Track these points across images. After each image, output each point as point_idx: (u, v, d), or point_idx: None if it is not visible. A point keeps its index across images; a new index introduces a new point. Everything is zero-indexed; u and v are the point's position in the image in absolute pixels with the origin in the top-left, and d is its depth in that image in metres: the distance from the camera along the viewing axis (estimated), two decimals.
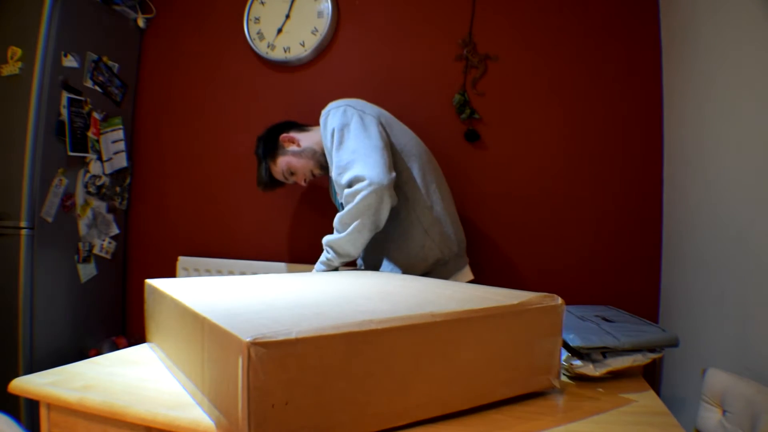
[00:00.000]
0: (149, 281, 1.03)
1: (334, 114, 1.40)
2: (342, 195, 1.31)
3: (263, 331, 0.59)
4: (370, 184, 1.24)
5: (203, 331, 0.70)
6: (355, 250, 1.33)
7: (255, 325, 0.63)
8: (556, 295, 0.87)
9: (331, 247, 1.34)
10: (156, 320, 0.99)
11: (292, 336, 0.59)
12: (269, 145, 1.60)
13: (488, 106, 1.86)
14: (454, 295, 0.90)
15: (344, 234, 1.31)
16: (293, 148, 1.58)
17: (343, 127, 1.35)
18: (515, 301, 0.82)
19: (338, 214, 1.32)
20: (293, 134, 1.59)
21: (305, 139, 1.59)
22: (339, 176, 1.31)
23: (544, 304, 0.85)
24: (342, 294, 0.92)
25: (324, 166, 1.56)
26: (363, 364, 0.65)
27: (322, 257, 1.38)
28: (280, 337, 0.59)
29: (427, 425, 0.71)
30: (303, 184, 1.62)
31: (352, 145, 1.31)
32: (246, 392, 0.57)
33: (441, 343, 0.73)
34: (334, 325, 0.64)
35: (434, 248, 1.40)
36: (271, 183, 1.64)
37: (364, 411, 0.66)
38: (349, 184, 1.28)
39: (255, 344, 0.57)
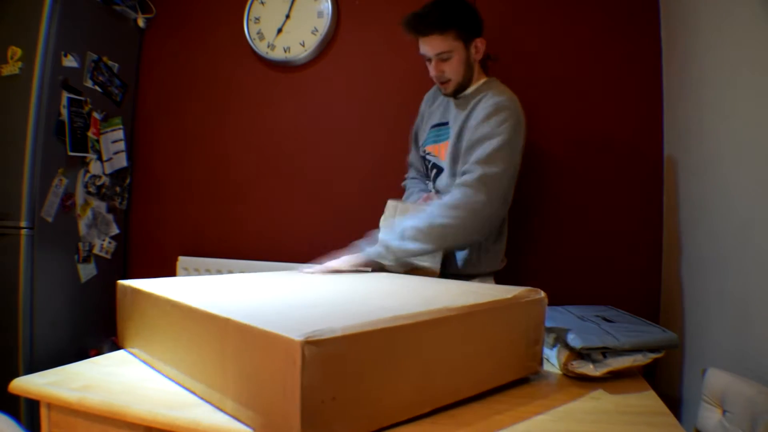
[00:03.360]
0: (123, 282, 0.99)
1: (507, 99, 1.35)
2: (465, 172, 1.29)
3: (313, 330, 0.60)
4: (485, 184, 1.24)
5: (225, 333, 0.70)
6: (446, 244, 1.28)
7: (299, 324, 0.63)
8: (539, 289, 0.95)
9: (427, 235, 1.23)
10: (137, 323, 0.95)
11: (338, 334, 0.61)
12: (472, 23, 1.38)
13: None
14: (451, 291, 0.95)
15: (438, 221, 1.23)
16: (473, 53, 1.41)
17: (508, 117, 1.31)
18: (509, 295, 0.89)
19: (447, 200, 1.26)
20: (482, 48, 1.42)
21: (477, 68, 1.45)
22: (478, 160, 1.28)
23: (531, 297, 0.92)
24: (354, 293, 0.94)
25: (454, 93, 1.44)
26: (395, 358, 0.69)
27: (387, 251, 1.25)
28: (327, 335, 0.60)
29: (445, 411, 0.75)
30: (434, 73, 1.41)
31: (506, 139, 1.28)
32: (299, 391, 0.58)
33: (454, 335, 0.78)
34: (371, 321, 0.66)
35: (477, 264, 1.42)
36: (418, 26, 1.36)
37: (396, 402, 0.70)
38: (476, 171, 1.26)
39: (308, 343, 0.58)
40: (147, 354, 0.92)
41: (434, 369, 0.75)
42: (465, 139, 1.37)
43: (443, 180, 1.43)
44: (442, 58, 1.38)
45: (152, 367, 0.90)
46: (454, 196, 1.28)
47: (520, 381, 0.92)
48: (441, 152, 1.47)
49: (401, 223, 1.30)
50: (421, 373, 0.73)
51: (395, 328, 0.69)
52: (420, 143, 1.60)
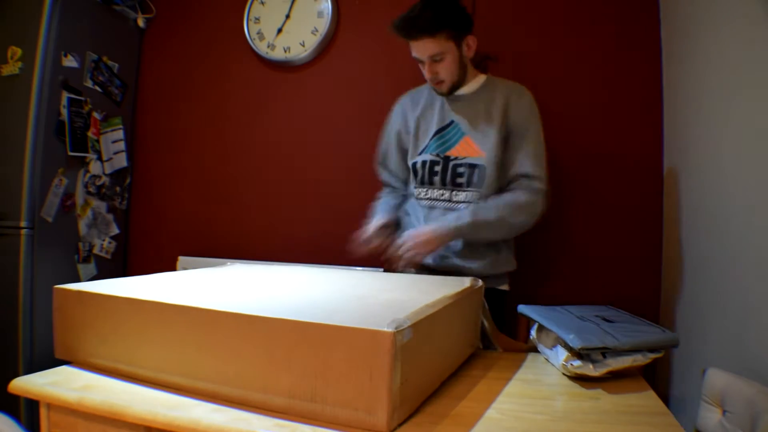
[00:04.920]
0: (70, 287, 0.90)
1: (535, 105, 1.45)
2: (532, 176, 1.39)
3: (395, 321, 0.68)
4: (544, 192, 1.39)
5: (273, 334, 0.71)
6: (499, 236, 1.41)
7: (370, 317, 0.72)
8: (479, 279, 1.16)
9: (484, 223, 1.35)
10: (101, 333, 0.87)
11: (409, 323, 0.70)
12: (462, 22, 1.40)
13: None
14: (431, 284, 1.11)
15: (510, 220, 1.36)
16: (465, 52, 1.43)
17: (539, 124, 1.44)
18: (467, 284, 1.08)
19: (515, 199, 1.37)
20: (473, 46, 1.45)
21: (471, 66, 1.49)
22: (536, 165, 1.39)
23: (477, 285, 1.13)
24: (360, 289, 1.01)
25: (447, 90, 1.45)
26: (429, 340, 0.80)
27: (459, 222, 1.34)
28: (406, 324, 0.69)
29: (442, 411, 0.79)
30: (428, 75, 1.42)
31: (542, 145, 1.43)
32: (388, 376, 0.65)
33: (451, 317, 0.93)
34: (416, 311, 0.77)
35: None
36: (409, 30, 1.36)
37: (430, 378, 0.82)
38: (539, 179, 1.39)
39: (398, 332, 0.66)
40: (125, 365, 0.86)
41: (443, 346, 0.89)
42: (514, 134, 1.42)
43: (484, 174, 1.41)
44: (435, 59, 1.39)
45: (126, 380, 0.84)
46: (520, 197, 1.37)
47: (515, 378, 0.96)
48: (471, 150, 1.43)
49: (474, 208, 1.37)
50: (437, 351, 0.86)
51: (429, 317, 0.79)
52: (418, 151, 1.52)
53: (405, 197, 1.60)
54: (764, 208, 1.05)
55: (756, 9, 1.09)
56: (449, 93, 1.46)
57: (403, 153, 1.58)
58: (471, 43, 1.44)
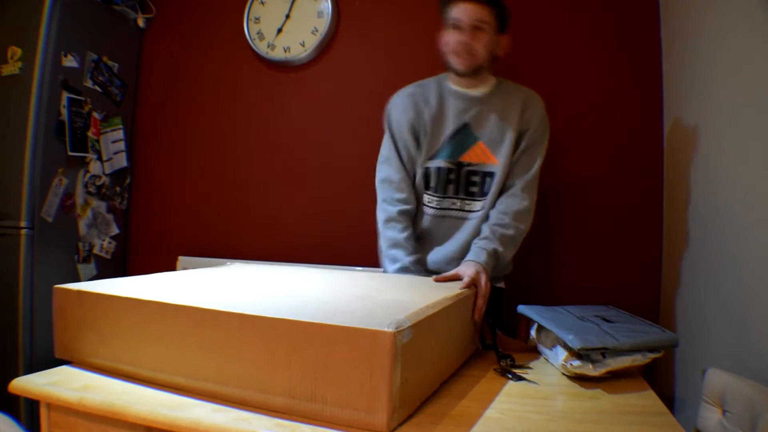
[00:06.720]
0: (70, 287, 0.90)
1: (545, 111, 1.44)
2: (524, 180, 1.36)
3: (395, 322, 0.69)
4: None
5: (276, 334, 0.71)
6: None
7: (371, 317, 0.73)
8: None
9: (513, 243, 1.36)
10: (101, 332, 0.87)
11: (409, 324, 0.71)
12: (506, 17, 1.38)
13: None
14: (430, 285, 1.13)
15: (524, 229, 1.36)
16: (496, 45, 1.37)
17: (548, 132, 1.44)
18: (465, 287, 1.12)
19: (518, 207, 1.34)
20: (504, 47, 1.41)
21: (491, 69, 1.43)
22: (535, 162, 1.38)
23: (474, 289, 1.15)
24: (361, 290, 1.02)
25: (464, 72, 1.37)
26: (430, 340, 0.81)
27: (487, 263, 1.25)
28: (406, 325, 0.70)
29: (442, 411, 0.79)
30: (464, 39, 1.32)
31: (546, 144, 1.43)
32: (389, 376, 0.66)
33: (451, 318, 0.95)
34: (416, 311, 0.77)
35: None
36: None
37: (430, 378, 0.83)
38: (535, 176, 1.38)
39: (398, 332, 0.67)
40: (125, 365, 0.86)
41: (443, 346, 0.90)
42: (526, 141, 1.38)
43: (496, 182, 1.36)
44: (478, 26, 1.31)
45: (126, 380, 0.83)
46: (522, 203, 1.35)
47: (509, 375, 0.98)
48: (485, 157, 1.38)
49: (491, 230, 1.33)
50: (437, 351, 0.86)
51: (430, 317, 0.80)
52: (429, 154, 1.41)
53: (411, 215, 1.44)
54: (764, 208, 1.05)
55: (756, 8, 1.09)
56: (471, 73, 1.36)
57: (416, 149, 1.43)
58: (504, 43, 1.38)
